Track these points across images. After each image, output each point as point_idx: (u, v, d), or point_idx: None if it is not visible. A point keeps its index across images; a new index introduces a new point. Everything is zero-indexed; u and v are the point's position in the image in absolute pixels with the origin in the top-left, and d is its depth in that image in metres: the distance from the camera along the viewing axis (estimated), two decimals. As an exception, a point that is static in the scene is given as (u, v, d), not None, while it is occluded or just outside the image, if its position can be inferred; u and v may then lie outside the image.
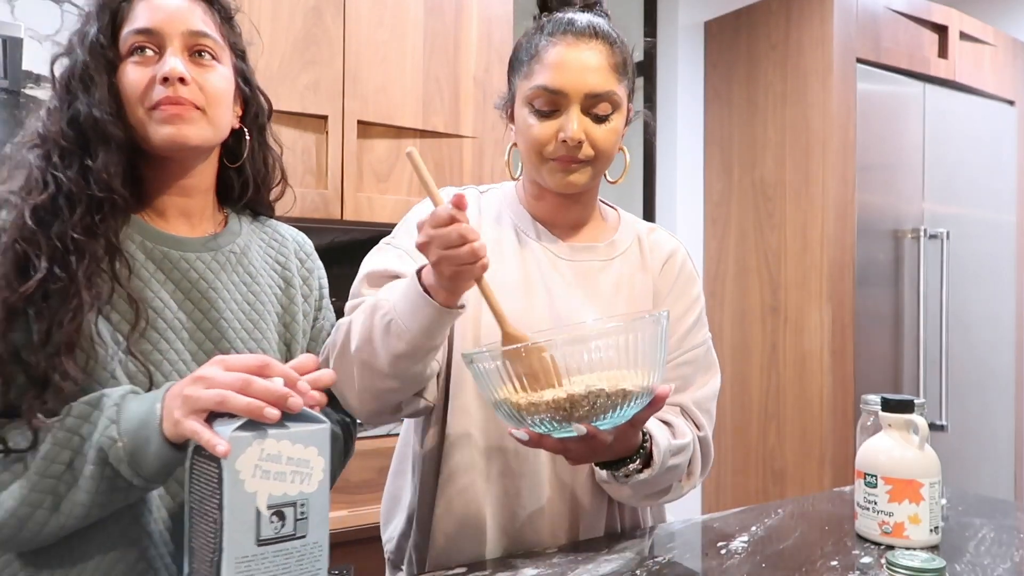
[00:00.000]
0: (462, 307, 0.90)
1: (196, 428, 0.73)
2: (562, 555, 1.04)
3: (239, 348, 0.97)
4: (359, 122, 2.00)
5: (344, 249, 2.26)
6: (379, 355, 0.93)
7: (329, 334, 1.08)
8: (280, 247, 1.10)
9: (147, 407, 0.80)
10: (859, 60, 2.73)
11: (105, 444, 0.79)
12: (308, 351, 1.07)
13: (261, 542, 0.72)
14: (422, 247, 0.86)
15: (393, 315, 0.91)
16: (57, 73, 0.93)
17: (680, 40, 3.01)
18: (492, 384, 0.87)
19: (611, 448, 0.94)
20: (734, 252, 2.96)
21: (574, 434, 0.86)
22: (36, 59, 1.96)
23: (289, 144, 1.91)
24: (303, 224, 1.26)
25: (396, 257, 1.08)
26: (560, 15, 1.10)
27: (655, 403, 0.90)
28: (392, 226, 2.07)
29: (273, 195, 1.12)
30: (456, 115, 2.16)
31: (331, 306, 1.15)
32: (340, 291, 1.14)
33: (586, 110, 1.05)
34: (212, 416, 0.75)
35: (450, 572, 0.99)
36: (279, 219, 1.15)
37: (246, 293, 1.01)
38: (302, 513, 0.74)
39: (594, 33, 1.06)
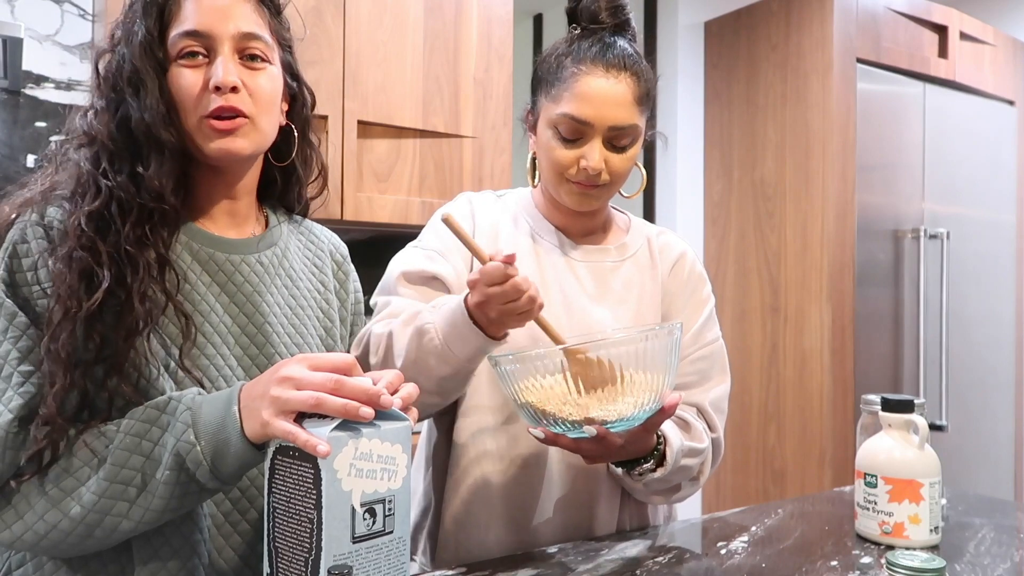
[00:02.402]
0: (506, 335, 0.96)
1: (290, 430, 0.72)
2: (562, 555, 1.04)
3: (283, 353, 0.95)
4: (359, 122, 2.00)
5: (344, 249, 2.26)
6: (425, 376, 0.97)
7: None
8: (316, 249, 1.08)
9: (223, 408, 0.78)
10: (859, 60, 2.72)
11: (183, 449, 0.77)
12: None
13: (356, 539, 0.72)
14: (480, 305, 0.91)
15: (439, 341, 0.95)
16: (101, 70, 0.89)
17: (680, 40, 3.01)
18: (516, 386, 0.93)
19: (624, 449, 1.00)
20: (734, 252, 2.96)
21: (586, 435, 0.92)
22: (36, 59, 1.96)
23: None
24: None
25: (426, 258, 1.13)
26: (592, 40, 1.10)
27: (666, 410, 0.95)
28: (392, 226, 2.08)
29: (311, 192, 1.08)
30: (456, 115, 2.15)
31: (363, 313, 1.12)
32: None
33: (607, 141, 1.09)
34: (299, 416, 0.74)
35: (450, 572, 0.99)
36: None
37: (288, 297, 0.99)
38: (390, 509, 0.75)
39: (623, 65, 1.09)
